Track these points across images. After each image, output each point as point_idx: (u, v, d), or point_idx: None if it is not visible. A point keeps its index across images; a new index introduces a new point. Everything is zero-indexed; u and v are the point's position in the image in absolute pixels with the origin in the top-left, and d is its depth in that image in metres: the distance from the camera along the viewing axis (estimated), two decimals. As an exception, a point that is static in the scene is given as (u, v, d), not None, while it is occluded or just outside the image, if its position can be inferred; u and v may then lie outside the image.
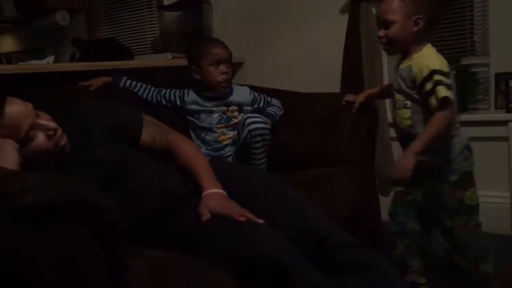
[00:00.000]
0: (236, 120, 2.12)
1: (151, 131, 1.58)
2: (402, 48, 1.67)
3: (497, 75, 2.50)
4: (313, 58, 2.79)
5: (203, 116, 2.14)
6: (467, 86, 2.57)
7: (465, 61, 2.62)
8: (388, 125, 2.62)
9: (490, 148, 2.44)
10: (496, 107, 2.52)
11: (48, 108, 1.42)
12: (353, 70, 2.60)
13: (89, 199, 0.92)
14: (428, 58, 1.60)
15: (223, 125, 2.13)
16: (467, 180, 1.67)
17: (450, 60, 2.56)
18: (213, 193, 1.38)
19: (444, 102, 1.53)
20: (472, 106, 2.62)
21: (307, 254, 1.23)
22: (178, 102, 2.18)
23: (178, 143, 1.59)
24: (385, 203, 2.41)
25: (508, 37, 2.46)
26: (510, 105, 2.39)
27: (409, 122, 1.65)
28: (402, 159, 1.55)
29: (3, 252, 0.83)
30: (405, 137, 1.67)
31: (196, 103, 2.16)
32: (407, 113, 1.65)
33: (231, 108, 2.16)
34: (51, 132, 1.27)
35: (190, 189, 1.47)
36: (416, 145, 1.54)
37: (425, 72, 1.57)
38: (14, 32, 4.20)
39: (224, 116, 2.14)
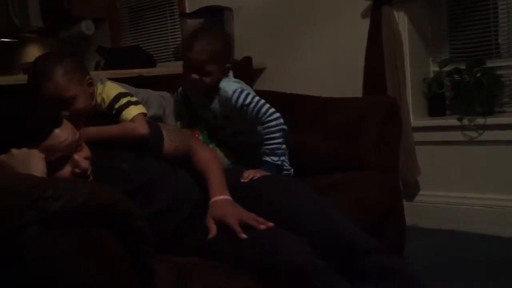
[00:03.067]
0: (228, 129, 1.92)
1: (173, 139, 1.60)
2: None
3: (523, 78, 2.46)
4: (335, 63, 2.78)
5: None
6: (492, 89, 2.54)
7: (490, 64, 2.58)
8: (412, 129, 2.60)
9: (516, 152, 2.40)
10: (523, 110, 2.48)
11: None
12: (376, 74, 2.59)
13: (118, 205, 0.94)
14: None
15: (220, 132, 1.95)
16: None
17: (475, 63, 2.56)
18: (218, 201, 1.40)
19: None
20: (498, 109, 2.58)
21: (333, 260, 1.23)
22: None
23: (195, 150, 1.61)
24: (408, 208, 2.40)
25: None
26: (537, 108, 2.35)
27: None
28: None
29: (35, 256, 0.85)
30: None
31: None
32: None
33: (218, 120, 1.91)
34: (78, 171, 1.26)
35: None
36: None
37: None
38: (41, 42, 4.30)
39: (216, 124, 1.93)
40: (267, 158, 1.75)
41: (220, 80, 1.84)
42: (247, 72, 2.51)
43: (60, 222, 0.88)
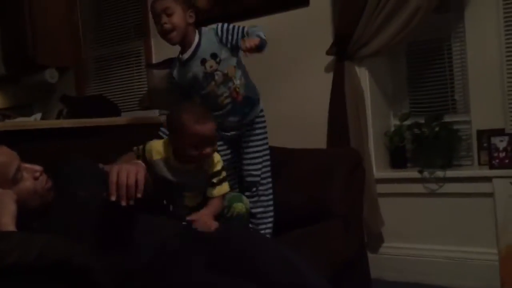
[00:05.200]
0: (218, 73, 2.03)
1: None
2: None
3: (478, 132, 2.56)
4: (299, 115, 2.83)
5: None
6: (450, 143, 2.62)
7: (447, 119, 2.69)
8: (375, 181, 2.64)
9: (475, 204, 2.46)
10: (479, 163, 2.56)
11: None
12: (339, 126, 2.64)
13: (74, 259, 0.90)
14: None
15: (211, 84, 2.04)
16: None
17: (433, 117, 2.66)
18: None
19: None
20: (456, 162, 2.66)
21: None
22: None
23: None
24: (373, 260, 2.40)
25: (487, 95, 2.55)
26: (493, 162, 2.43)
27: None
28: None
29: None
30: None
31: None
32: None
33: (207, 63, 2.03)
34: (37, 174, 1.36)
35: (185, 237, 1.44)
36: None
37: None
38: (2, 89, 4.22)
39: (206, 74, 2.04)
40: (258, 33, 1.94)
41: (190, 25, 2.03)
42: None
43: (16, 276, 0.83)
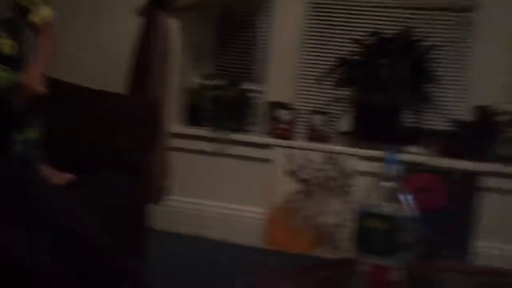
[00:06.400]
0: None
1: None
2: None
3: (269, 103, 2.79)
4: (102, 54, 2.70)
5: None
6: (244, 108, 2.81)
7: (245, 86, 2.85)
8: (169, 135, 2.67)
9: (254, 168, 2.70)
10: (265, 132, 2.80)
11: None
12: (141, 74, 2.59)
13: None
14: None
15: None
16: None
17: (233, 82, 2.80)
18: None
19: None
20: (245, 127, 2.86)
21: (67, 257, 1.19)
22: None
23: None
24: (156, 211, 2.44)
25: (282, 70, 2.78)
26: (275, 131, 2.69)
27: None
28: None
29: None
30: None
31: None
32: None
33: None
34: None
35: None
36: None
37: None
38: None
39: None
40: None
41: None
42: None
43: None
